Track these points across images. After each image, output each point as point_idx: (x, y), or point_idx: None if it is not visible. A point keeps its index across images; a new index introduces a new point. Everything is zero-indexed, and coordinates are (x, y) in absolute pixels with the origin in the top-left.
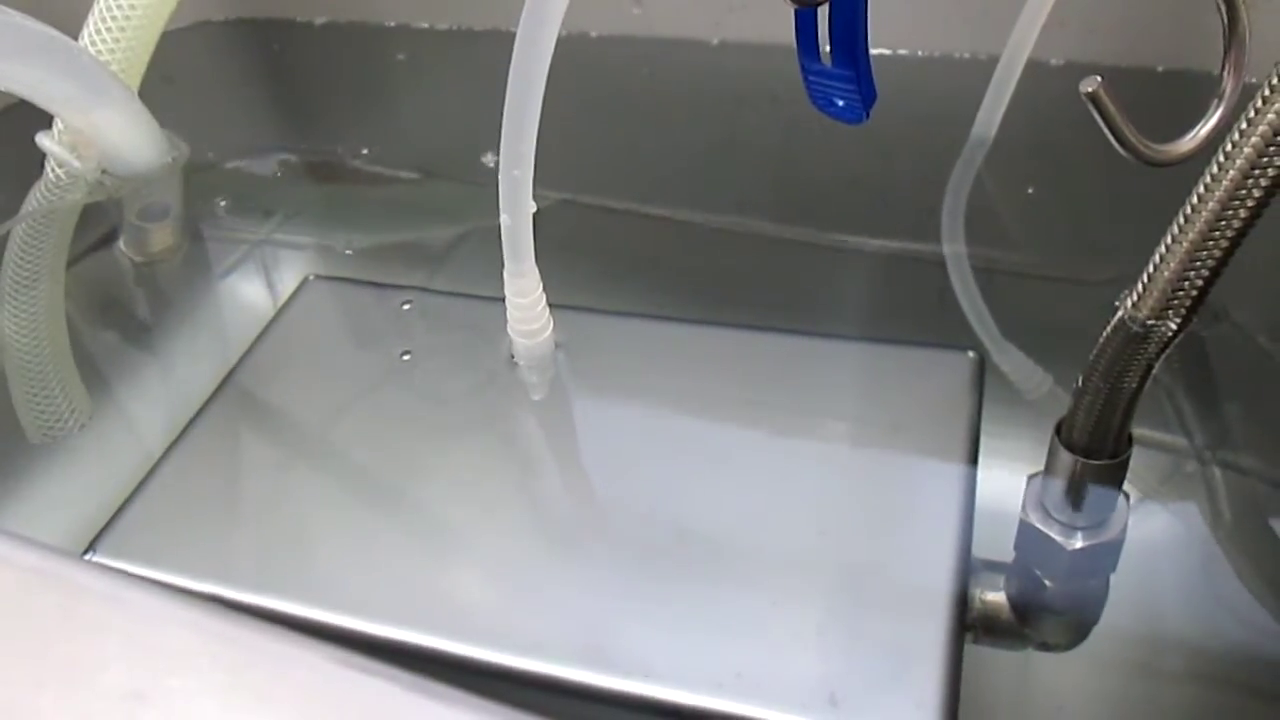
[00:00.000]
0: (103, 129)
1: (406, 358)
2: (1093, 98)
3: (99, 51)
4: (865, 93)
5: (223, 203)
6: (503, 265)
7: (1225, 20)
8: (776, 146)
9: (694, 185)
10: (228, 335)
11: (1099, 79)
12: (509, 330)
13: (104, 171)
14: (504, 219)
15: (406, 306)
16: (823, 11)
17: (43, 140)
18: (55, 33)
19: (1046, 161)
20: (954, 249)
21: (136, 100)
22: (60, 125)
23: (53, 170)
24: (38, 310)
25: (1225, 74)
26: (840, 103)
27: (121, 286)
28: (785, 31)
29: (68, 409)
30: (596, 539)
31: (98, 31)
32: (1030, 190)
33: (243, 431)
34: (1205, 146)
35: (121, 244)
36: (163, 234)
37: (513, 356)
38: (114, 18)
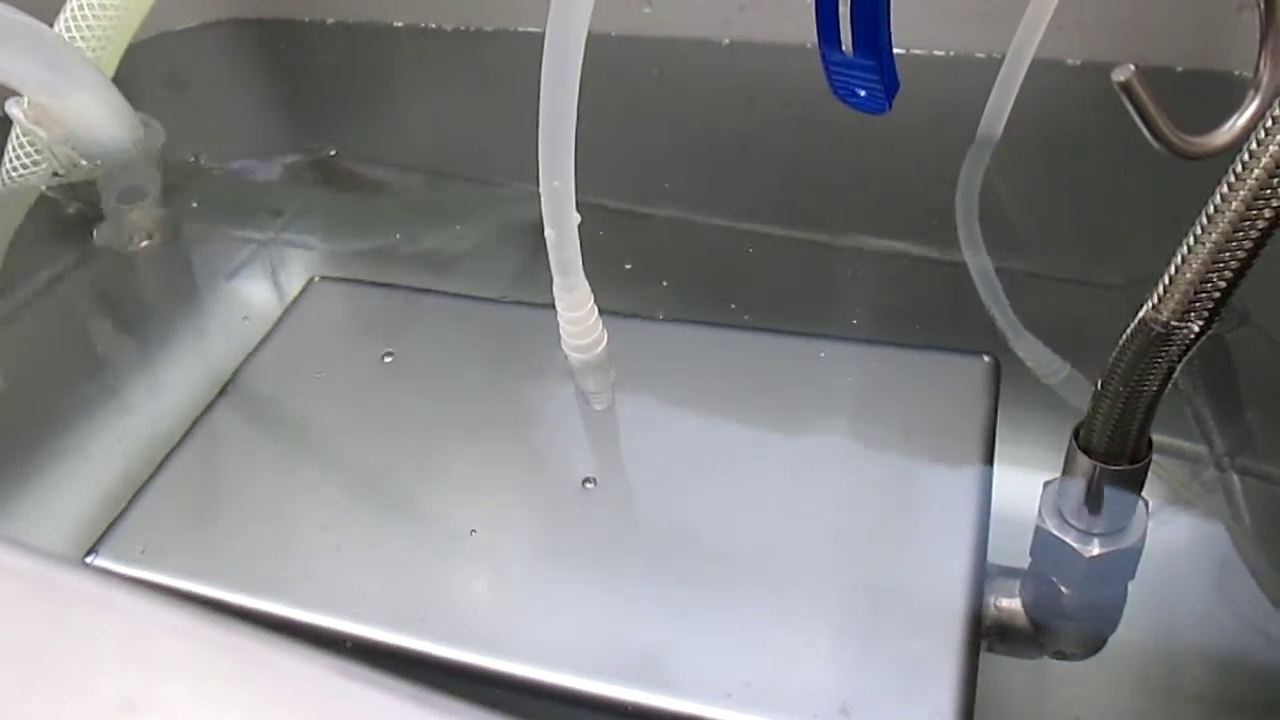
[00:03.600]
0: (71, 110)
1: (411, 360)
2: (1125, 87)
3: (73, 35)
4: (888, 82)
5: (228, 201)
6: (513, 267)
7: (1262, 10)
8: (788, 146)
9: (703, 186)
10: (234, 336)
11: (1132, 68)
12: (563, 346)
13: (72, 147)
14: (549, 233)
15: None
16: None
17: (10, 108)
18: (21, 14)
19: (1064, 160)
20: (972, 250)
21: (108, 84)
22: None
23: (17, 137)
24: None
25: (1261, 64)
26: (862, 92)
27: (125, 286)
28: (797, 31)
29: None
30: (604, 546)
31: (75, 17)
32: (1041, 189)
33: (248, 433)
34: (1241, 138)
35: (97, 233)
36: (141, 218)
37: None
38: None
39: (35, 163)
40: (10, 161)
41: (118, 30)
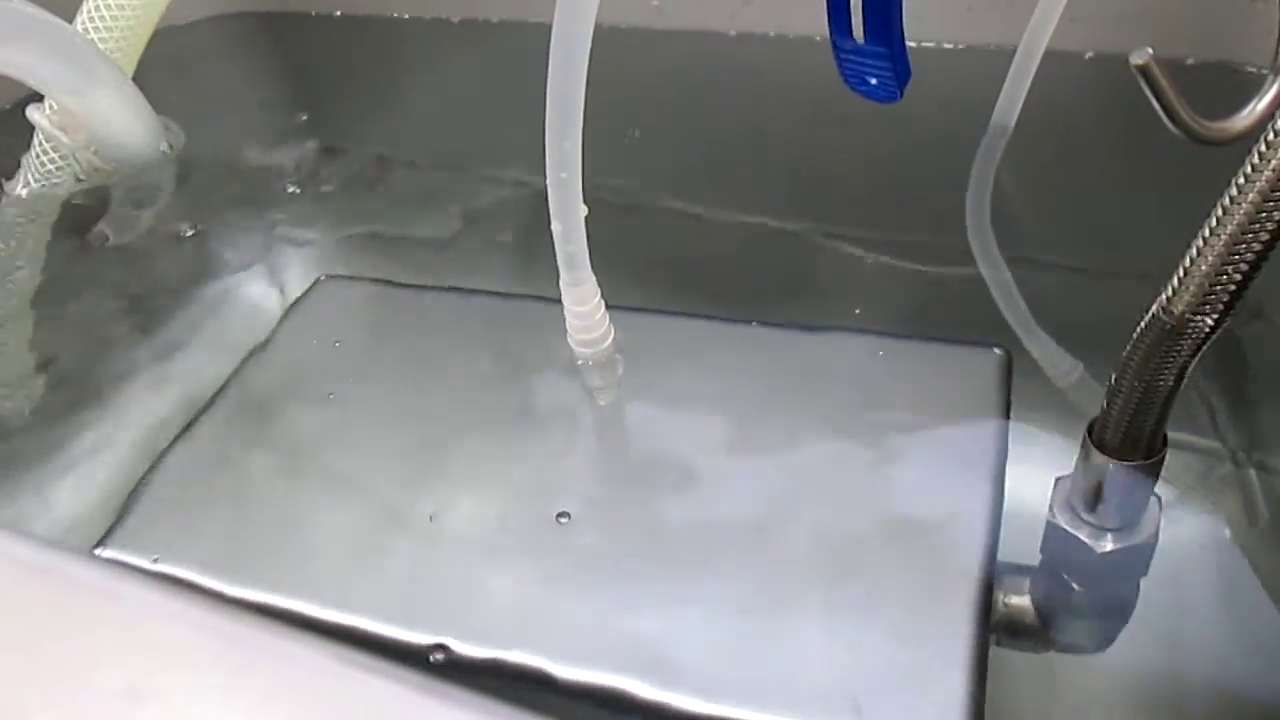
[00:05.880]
0: (94, 111)
1: (418, 356)
2: (1143, 70)
3: (94, 34)
4: (899, 70)
5: (234, 198)
6: (520, 263)
7: None
8: (795, 138)
9: (710, 178)
10: (240, 332)
11: (1149, 51)
12: (569, 340)
13: (94, 152)
14: (555, 226)
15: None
16: None
17: (33, 114)
18: (45, 13)
19: (1077, 151)
20: (984, 242)
21: (130, 84)
22: (52, 103)
23: (40, 144)
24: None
25: None
26: (873, 81)
27: (134, 283)
28: (803, 22)
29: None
30: (612, 541)
31: (92, 16)
32: (1053, 180)
33: (253, 428)
34: (1260, 124)
35: (104, 226)
36: (152, 218)
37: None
38: (109, 2)
39: (59, 169)
40: (34, 169)
41: (137, 28)
